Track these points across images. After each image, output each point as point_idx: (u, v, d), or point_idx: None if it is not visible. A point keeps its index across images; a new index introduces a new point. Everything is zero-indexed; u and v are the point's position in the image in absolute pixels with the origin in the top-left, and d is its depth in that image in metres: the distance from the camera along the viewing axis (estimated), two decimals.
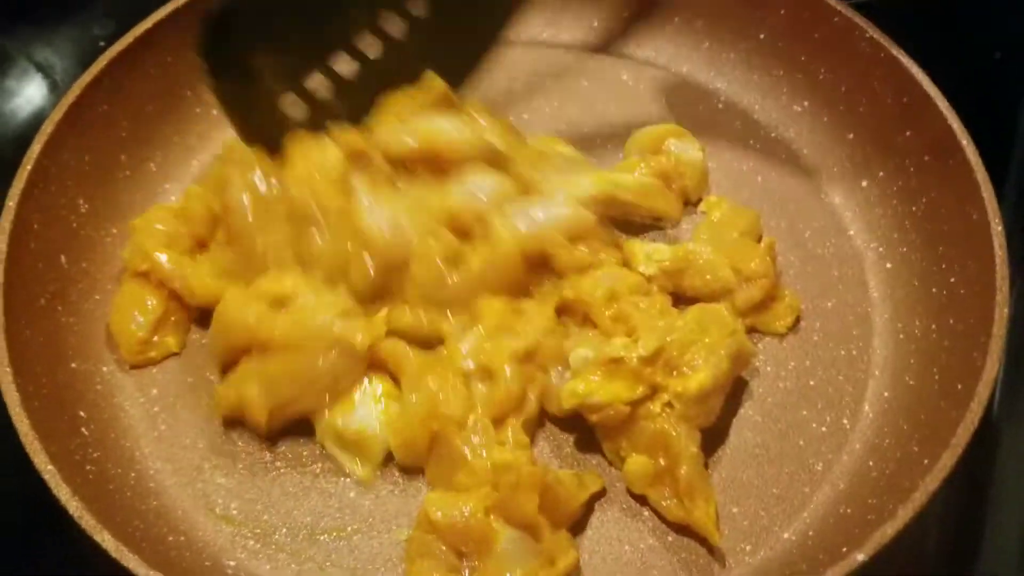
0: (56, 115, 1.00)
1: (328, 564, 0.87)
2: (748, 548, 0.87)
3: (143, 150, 1.10)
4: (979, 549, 0.94)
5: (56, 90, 1.27)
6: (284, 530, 0.89)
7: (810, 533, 0.87)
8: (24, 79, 1.28)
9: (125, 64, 1.07)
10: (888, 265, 1.03)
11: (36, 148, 0.98)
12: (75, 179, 1.03)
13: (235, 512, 0.89)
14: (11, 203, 0.94)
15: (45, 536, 0.93)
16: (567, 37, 1.24)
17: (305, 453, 0.93)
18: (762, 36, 1.17)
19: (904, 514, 0.76)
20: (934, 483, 0.77)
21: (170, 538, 0.87)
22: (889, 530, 0.75)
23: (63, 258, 1.00)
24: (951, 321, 0.94)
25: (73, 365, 0.96)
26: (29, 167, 0.97)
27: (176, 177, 1.12)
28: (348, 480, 0.91)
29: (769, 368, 0.97)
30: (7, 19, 1.33)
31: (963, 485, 0.90)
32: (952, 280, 0.96)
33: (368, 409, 0.90)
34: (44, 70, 1.29)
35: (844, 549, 0.81)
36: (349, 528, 0.89)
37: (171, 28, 1.10)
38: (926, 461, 0.83)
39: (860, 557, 0.74)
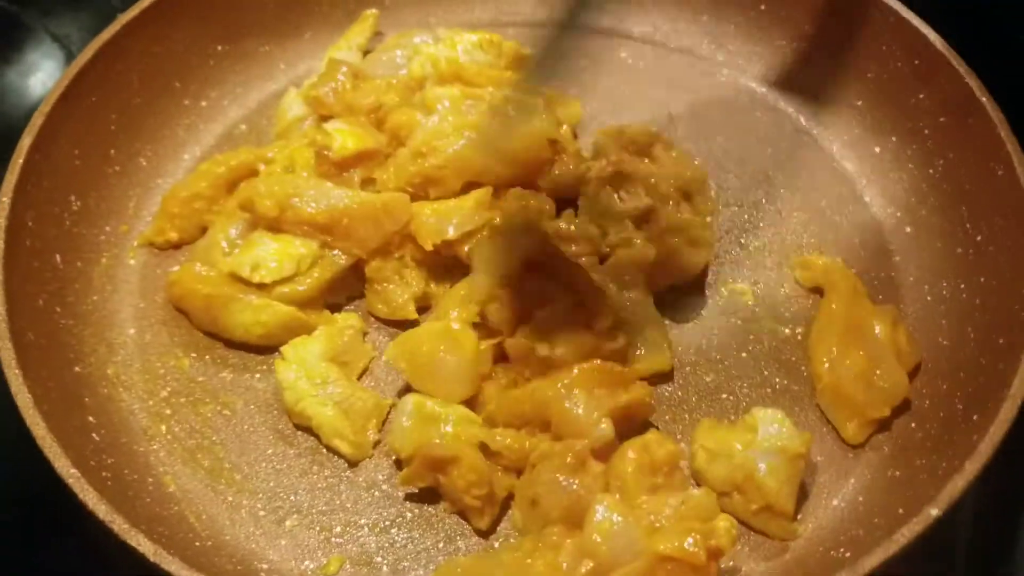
0: (45, 106, 0.95)
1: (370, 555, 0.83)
2: (799, 517, 0.85)
3: (133, 144, 1.06)
4: (1011, 551, 0.93)
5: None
6: (317, 529, 0.84)
7: (860, 499, 0.86)
8: (41, 50, 1.22)
9: (111, 54, 1.02)
10: (908, 229, 1.02)
11: (27, 141, 0.93)
12: (67, 174, 0.98)
13: (262, 513, 0.85)
14: (4, 199, 0.89)
15: (50, 538, 0.90)
16: (563, 16, 1.22)
17: (325, 449, 0.89)
18: (763, 7, 1.16)
19: (972, 467, 0.74)
20: (999, 433, 0.76)
21: (196, 544, 0.82)
22: (960, 483, 0.73)
23: (58, 257, 0.95)
24: (982, 279, 0.93)
25: (77, 369, 0.90)
26: (21, 160, 0.91)
27: (167, 172, 1.07)
28: (380, 476, 0.87)
29: (800, 337, 0.95)
30: None
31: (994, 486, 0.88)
32: (979, 238, 0.95)
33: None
34: (60, 40, 1.23)
35: (900, 511, 0.80)
36: (385, 522, 0.85)
37: (156, 17, 1.06)
38: (976, 417, 0.82)
39: (934, 512, 0.72)
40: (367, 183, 0.99)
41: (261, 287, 0.93)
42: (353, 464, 0.88)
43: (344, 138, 0.98)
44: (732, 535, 0.76)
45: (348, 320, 0.95)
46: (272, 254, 0.93)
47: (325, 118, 1.04)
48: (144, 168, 1.06)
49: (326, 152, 0.98)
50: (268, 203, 0.94)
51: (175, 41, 1.08)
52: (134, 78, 1.05)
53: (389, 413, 0.90)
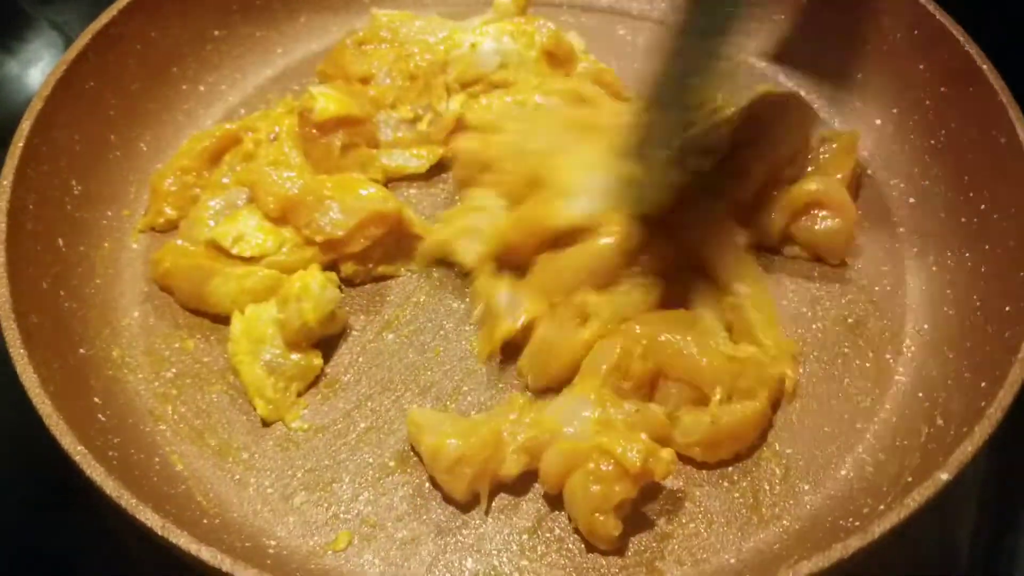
0: (44, 91, 0.95)
1: (377, 530, 0.83)
2: (807, 487, 0.85)
3: (133, 129, 1.05)
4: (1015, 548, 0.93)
5: None
6: (325, 506, 0.84)
7: (868, 469, 0.86)
8: (41, 38, 1.22)
9: (109, 38, 1.02)
10: (911, 200, 1.02)
11: (26, 125, 0.93)
12: (67, 159, 0.97)
13: (269, 491, 0.85)
14: (5, 182, 0.89)
15: (57, 525, 0.89)
16: None
17: (339, 423, 0.89)
18: None
19: (982, 432, 0.74)
20: (1008, 398, 0.76)
21: (204, 521, 0.82)
22: (969, 448, 0.73)
23: (60, 241, 0.94)
24: (986, 247, 0.93)
25: (82, 351, 0.90)
26: (21, 144, 0.91)
27: (167, 157, 1.06)
28: (386, 454, 0.87)
29: (804, 309, 0.96)
30: None
31: (996, 483, 0.89)
32: (983, 207, 0.95)
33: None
34: (60, 28, 1.23)
35: (909, 479, 0.80)
36: (393, 498, 0.85)
37: (153, 3, 1.06)
38: (983, 384, 0.82)
39: (944, 476, 0.72)
40: (348, 148, 1.00)
41: (244, 260, 0.93)
42: (268, 424, 0.88)
43: (327, 102, 0.98)
44: (669, 467, 0.79)
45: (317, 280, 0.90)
46: (257, 229, 0.93)
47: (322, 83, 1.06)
48: (144, 153, 1.06)
49: (308, 114, 0.98)
50: (271, 204, 0.94)
51: (172, 26, 1.08)
52: (132, 63, 1.05)
53: (318, 378, 0.91)
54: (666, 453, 0.80)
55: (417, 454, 0.86)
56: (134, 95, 1.06)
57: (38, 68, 1.21)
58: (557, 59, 1.09)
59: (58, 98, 0.96)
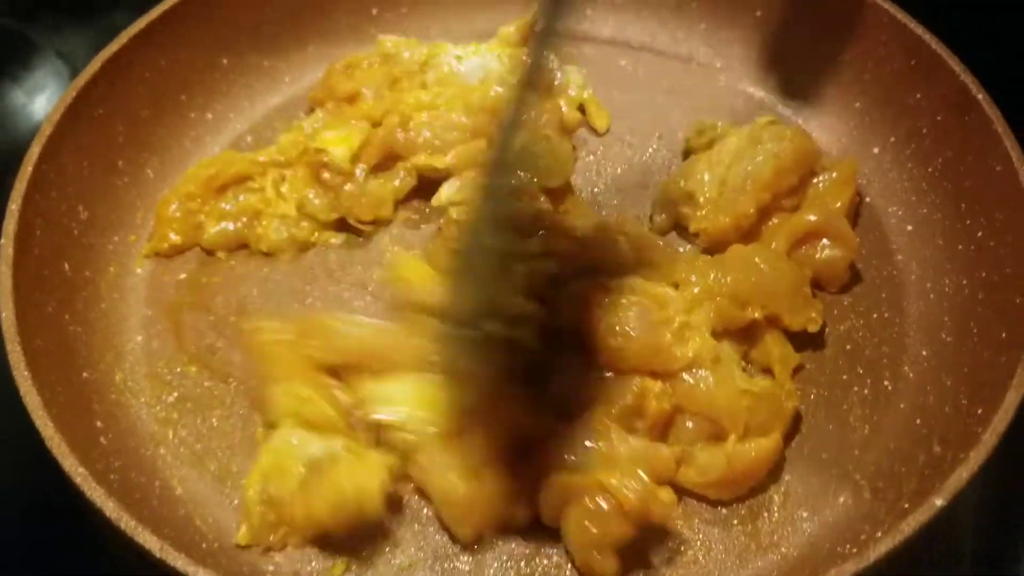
0: (54, 116, 0.97)
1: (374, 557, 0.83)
2: (805, 515, 0.85)
3: (140, 156, 1.07)
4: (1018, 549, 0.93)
5: None
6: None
7: (866, 496, 0.86)
8: (48, 68, 1.24)
9: (119, 66, 1.04)
10: (909, 227, 1.03)
11: (35, 150, 0.94)
12: (75, 184, 0.99)
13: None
14: (13, 206, 0.90)
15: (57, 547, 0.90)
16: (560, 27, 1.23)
17: None
18: (759, 13, 1.17)
19: (977, 457, 0.75)
20: (1002, 423, 0.76)
21: (203, 545, 0.82)
22: (964, 474, 0.74)
23: (66, 265, 0.96)
24: (983, 274, 0.93)
25: (85, 375, 0.91)
26: (30, 168, 0.93)
27: (174, 185, 1.08)
28: None
29: (803, 334, 0.96)
30: (32, 7, 1.29)
31: (1000, 484, 0.89)
32: (979, 234, 0.95)
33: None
34: (67, 58, 1.25)
35: (905, 505, 0.80)
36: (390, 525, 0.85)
37: (163, 30, 1.07)
38: (980, 410, 0.82)
39: (939, 502, 0.72)
40: (377, 170, 1.01)
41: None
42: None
43: (340, 145, 1.00)
44: (667, 509, 0.79)
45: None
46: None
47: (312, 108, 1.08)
48: (151, 179, 1.07)
49: (324, 164, 1.00)
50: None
51: (181, 55, 1.10)
52: (141, 91, 1.07)
53: None
54: (665, 495, 0.79)
55: (422, 493, 0.85)
56: (142, 122, 1.07)
57: (44, 97, 1.23)
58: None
59: (67, 124, 0.98)
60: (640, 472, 0.78)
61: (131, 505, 0.77)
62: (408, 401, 0.84)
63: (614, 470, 0.79)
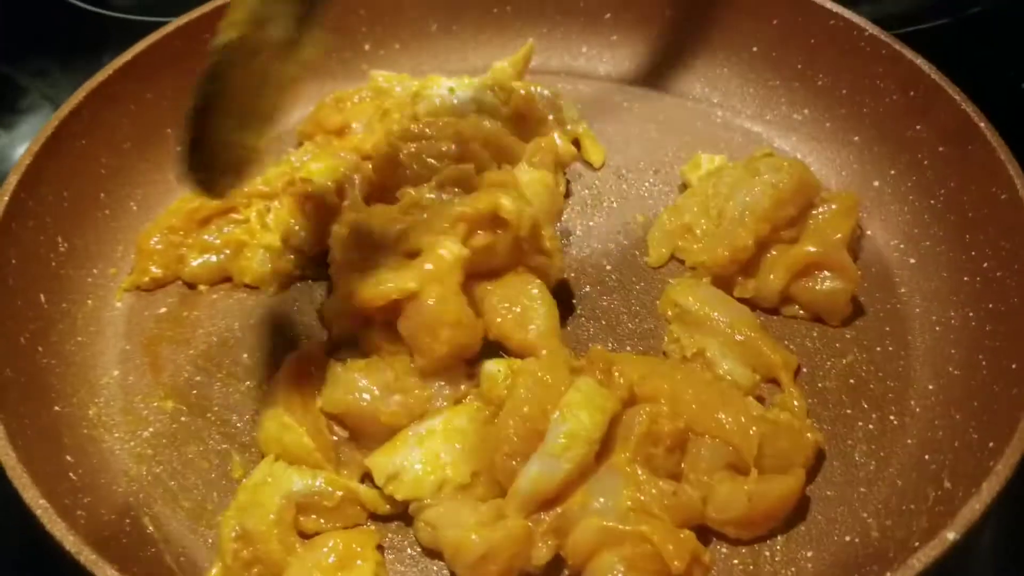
0: (34, 147, 0.95)
1: None
2: (809, 554, 0.81)
3: (123, 188, 1.05)
4: None
5: None
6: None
7: (873, 534, 0.81)
8: (34, 110, 1.23)
9: (103, 97, 1.02)
10: (912, 260, 1.00)
11: (12, 180, 0.92)
12: (54, 215, 0.97)
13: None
14: None
15: None
16: (556, 64, 1.22)
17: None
18: (755, 48, 1.16)
19: (990, 489, 0.71)
20: (1015, 455, 0.72)
21: None
22: (977, 506, 0.69)
23: (42, 297, 0.93)
24: (990, 305, 0.90)
25: (56, 408, 0.88)
26: (6, 198, 0.90)
27: (157, 217, 1.06)
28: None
29: (806, 370, 0.92)
30: (19, 50, 1.29)
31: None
32: (985, 265, 0.92)
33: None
34: (54, 101, 1.24)
35: (916, 544, 0.76)
36: None
37: (149, 62, 1.06)
38: (992, 444, 0.78)
39: (951, 536, 0.68)
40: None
41: None
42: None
43: (326, 176, 0.98)
44: (706, 574, 0.78)
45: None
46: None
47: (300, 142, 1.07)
48: (134, 212, 1.05)
49: (308, 195, 0.98)
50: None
51: (167, 87, 1.08)
52: (125, 123, 1.05)
53: None
54: (707, 558, 0.78)
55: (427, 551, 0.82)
56: (126, 154, 1.05)
57: (29, 140, 1.21)
58: (526, 121, 1.08)
59: (48, 154, 0.96)
60: (689, 533, 0.77)
61: (97, 542, 0.73)
62: (417, 465, 0.82)
63: (655, 523, 0.76)
